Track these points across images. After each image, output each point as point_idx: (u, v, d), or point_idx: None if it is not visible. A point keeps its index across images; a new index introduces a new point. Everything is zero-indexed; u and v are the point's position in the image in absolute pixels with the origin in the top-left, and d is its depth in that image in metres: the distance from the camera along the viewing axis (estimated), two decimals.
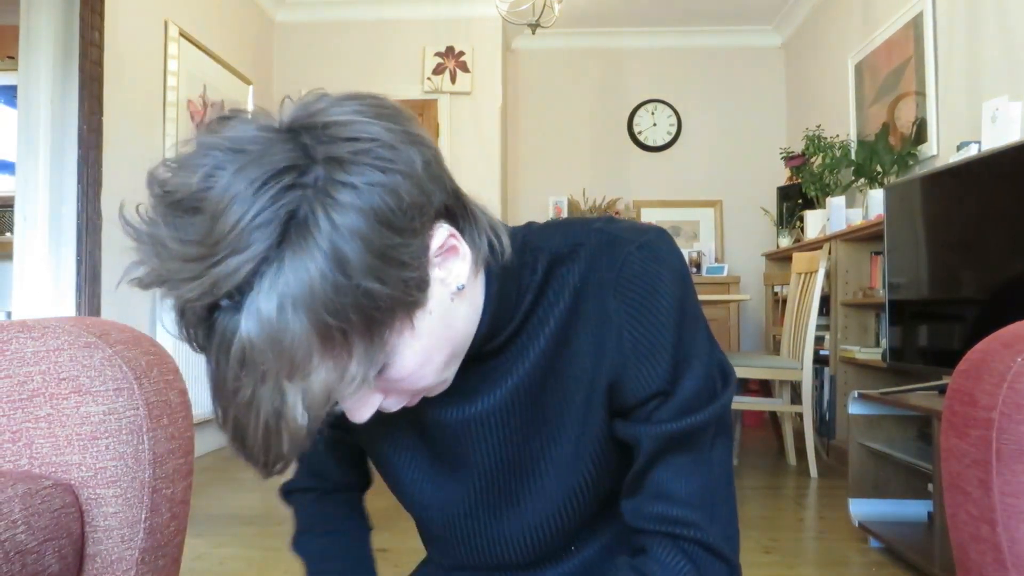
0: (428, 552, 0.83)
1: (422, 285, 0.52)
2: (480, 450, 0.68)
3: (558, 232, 0.66)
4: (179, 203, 0.46)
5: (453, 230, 0.55)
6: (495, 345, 0.64)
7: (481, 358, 0.65)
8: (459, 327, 0.58)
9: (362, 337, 0.49)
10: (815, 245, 3.63)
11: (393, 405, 0.59)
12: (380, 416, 0.59)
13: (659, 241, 0.63)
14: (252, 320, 0.45)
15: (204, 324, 0.47)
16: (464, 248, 0.56)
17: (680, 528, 0.64)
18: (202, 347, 0.49)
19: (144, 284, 0.48)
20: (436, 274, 0.54)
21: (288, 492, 0.86)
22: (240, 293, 0.45)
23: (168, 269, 0.46)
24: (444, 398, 0.65)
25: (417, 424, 0.69)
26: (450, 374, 0.60)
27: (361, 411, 0.56)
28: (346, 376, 0.49)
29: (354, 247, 0.46)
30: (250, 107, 4.23)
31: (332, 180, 0.47)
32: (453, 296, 0.56)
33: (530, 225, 0.68)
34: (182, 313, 0.48)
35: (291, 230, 0.45)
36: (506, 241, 0.60)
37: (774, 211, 4.71)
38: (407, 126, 0.52)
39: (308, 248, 0.45)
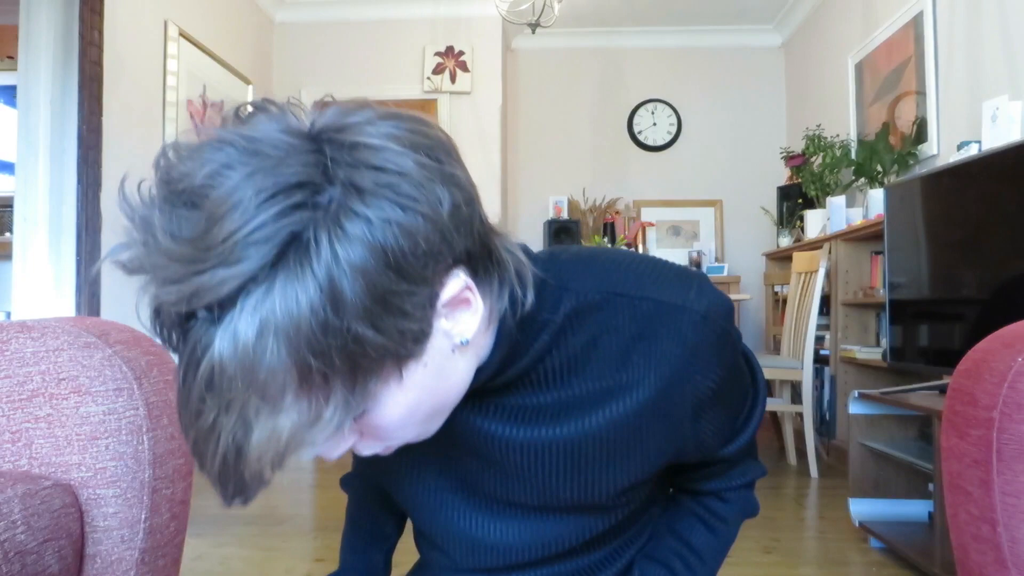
0: (423, 555, 0.83)
1: (421, 337, 0.48)
2: (515, 473, 0.66)
3: (589, 273, 0.61)
4: (179, 193, 0.43)
5: (470, 281, 0.50)
6: (501, 381, 0.61)
7: (492, 391, 0.62)
8: (453, 381, 0.53)
9: (344, 383, 0.45)
10: (815, 245, 3.63)
11: (366, 449, 0.55)
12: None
13: (718, 307, 0.61)
14: (227, 341, 0.41)
15: (178, 328, 0.44)
16: (478, 302, 0.51)
17: (739, 479, 0.76)
18: (174, 349, 0.46)
19: (126, 269, 0.44)
20: (441, 325, 0.49)
21: (344, 482, 0.89)
22: (221, 308, 0.41)
23: (152, 262, 0.42)
24: (498, 417, 0.64)
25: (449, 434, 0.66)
26: (434, 427, 0.56)
27: (331, 452, 0.51)
28: (319, 421, 0.45)
29: (353, 286, 0.42)
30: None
31: (346, 207, 0.42)
32: (455, 349, 0.52)
33: (555, 255, 0.63)
34: (157, 311, 0.44)
35: (290, 252, 0.41)
36: (531, 293, 0.56)
37: (774, 211, 4.71)
38: (443, 162, 0.47)
39: (303, 276, 0.41)
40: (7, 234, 3.23)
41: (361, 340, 0.43)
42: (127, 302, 3.07)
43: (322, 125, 0.46)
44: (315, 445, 0.47)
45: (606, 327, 0.60)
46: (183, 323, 0.43)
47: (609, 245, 4.04)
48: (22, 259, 2.74)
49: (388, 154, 0.45)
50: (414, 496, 0.73)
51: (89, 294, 2.80)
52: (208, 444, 0.44)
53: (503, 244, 0.54)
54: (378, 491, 0.86)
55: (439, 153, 0.47)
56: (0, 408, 0.74)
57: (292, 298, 0.41)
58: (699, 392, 0.62)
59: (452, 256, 0.48)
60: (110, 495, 0.74)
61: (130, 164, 3.14)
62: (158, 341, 0.46)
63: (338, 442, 0.51)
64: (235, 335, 0.41)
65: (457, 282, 0.49)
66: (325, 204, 0.42)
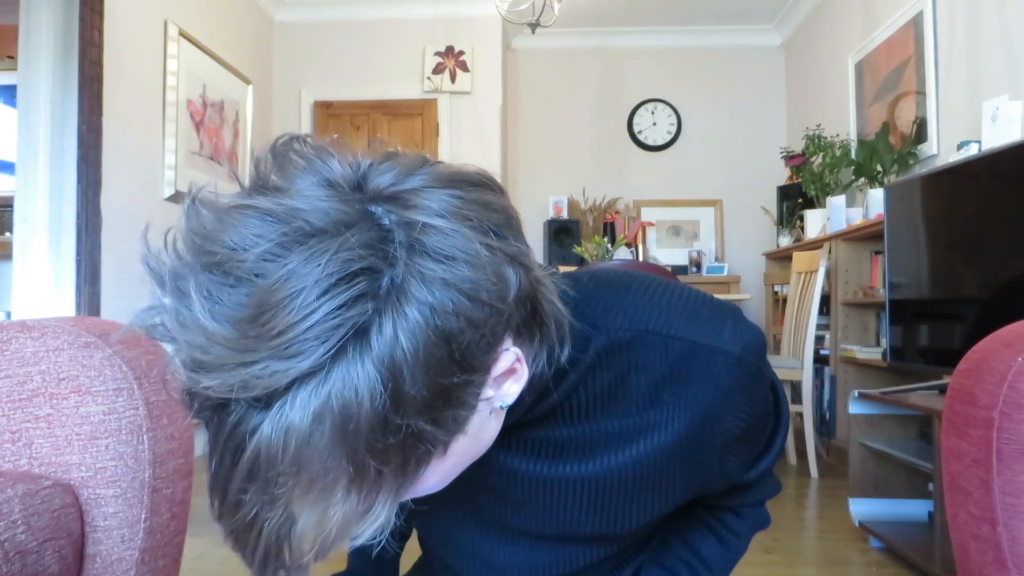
0: (425, 554, 0.83)
1: (471, 417, 0.45)
2: (534, 508, 0.64)
3: (619, 308, 0.59)
4: (219, 266, 0.39)
5: (520, 353, 0.47)
6: (526, 418, 0.59)
7: (515, 427, 0.60)
8: (487, 439, 0.51)
9: (396, 475, 0.42)
10: (815, 244, 3.63)
11: None
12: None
13: (753, 347, 0.59)
14: (277, 431, 0.38)
15: (213, 410, 0.40)
16: (524, 371, 0.48)
17: (754, 496, 0.75)
18: (204, 424, 0.42)
19: (156, 337, 0.41)
20: (486, 393, 0.46)
21: None
22: (270, 397, 0.38)
23: (189, 340, 0.38)
24: (524, 454, 0.62)
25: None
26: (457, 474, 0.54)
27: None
28: (369, 514, 0.42)
29: (414, 380, 0.39)
30: (250, 107, 4.25)
31: (408, 295, 0.39)
32: (492, 412, 0.49)
33: (580, 281, 0.60)
34: (191, 391, 0.40)
35: (349, 345, 0.38)
36: (568, 348, 0.53)
37: (774, 210, 4.71)
38: (508, 239, 0.44)
39: (363, 370, 0.38)
40: (7, 234, 3.23)
41: (419, 435, 0.41)
42: (127, 302, 3.07)
43: (376, 188, 0.42)
44: (363, 537, 0.43)
45: (635, 365, 0.58)
46: (221, 405, 0.39)
47: (609, 245, 4.03)
48: (22, 259, 2.74)
49: (453, 237, 0.41)
50: (426, 523, 0.73)
51: (89, 294, 2.80)
52: (249, 536, 0.42)
53: (545, 296, 0.50)
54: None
55: (504, 230, 0.45)
56: (0, 408, 0.74)
57: (351, 392, 0.38)
58: (728, 432, 0.61)
59: (507, 332, 0.45)
60: (110, 495, 0.74)
61: (130, 164, 3.14)
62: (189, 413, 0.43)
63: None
64: (288, 427, 0.38)
65: (509, 356, 0.46)
66: (386, 292, 0.39)
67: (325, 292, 0.37)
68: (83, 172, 2.80)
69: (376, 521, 0.42)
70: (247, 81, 4.26)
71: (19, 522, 0.64)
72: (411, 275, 0.39)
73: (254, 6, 4.48)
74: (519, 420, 0.58)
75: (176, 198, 3.45)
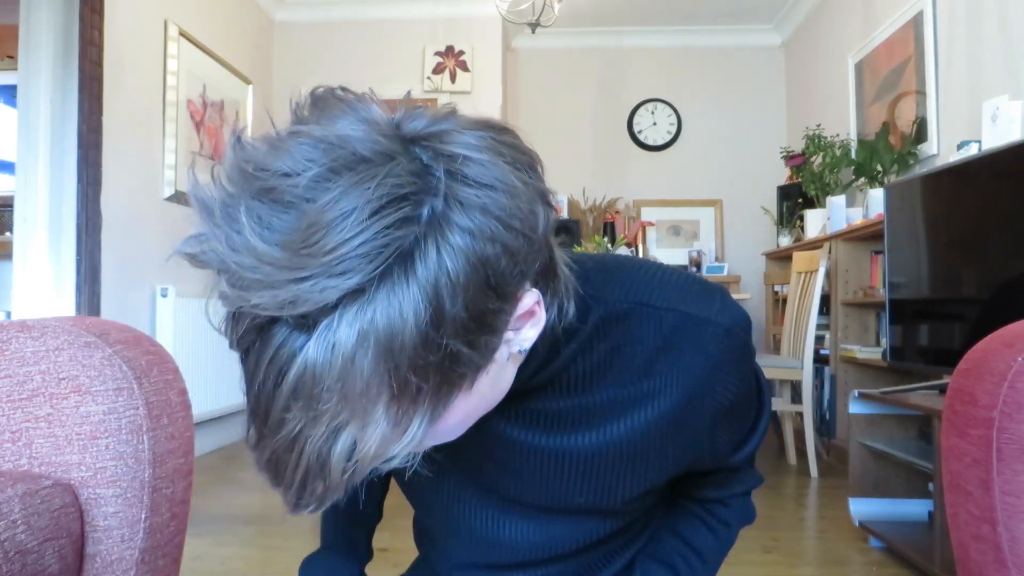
0: (423, 551, 0.84)
1: (497, 350, 0.47)
2: (531, 477, 0.66)
3: (616, 282, 0.62)
4: (269, 192, 0.40)
5: (540, 296, 0.49)
6: (528, 386, 0.61)
7: (514, 397, 0.61)
8: (502, 387, 0.53)
9: (432, 397, 0.43)
10: (815, 244, 3.63)
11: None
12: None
13: (740, 322, 0.62)
14: (323, 349, 0.40)
15: (257, 332, 0.41)
16: (542, 315, 0.50)
17: (740, 487, 0.78)
18: (244, 352, 0.43)
19: (201, 263, 0.42)
20: (507, 336, 0.48)
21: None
22: (317, 316, 0.40)
23: (239, 262, 0.40)
24: (527, 424, 0.64)
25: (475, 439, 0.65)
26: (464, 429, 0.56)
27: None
28: (405, 436, 0.43)
29: (454, 302, 0.41)
30: (250, 107, 4.25)
31: (450, 221, 0.41)
32: (510, 356, 0.51)
33: (580, 262, 0.63)
34: (237, 314, 0.42)
35: (395, 266, 0.40)
36: (573, 304, 0.55)
37: (774, 210, 4.71)
38: (536, 178, 0.47)
39: (408, 290, 0.40)
40: (7, 234, 3.24)
41: (456, 356, 0.43)
42: (127, 302, 3.07)
43: (412, 130, 0.44)
44: (396, 459, 0.45)
45: (630, 337, 0.61)
46: (265, 328, 0.41)
47: (609, 245, 4.03)
48: (22, 259, 2.74)
49: (490, 168, 0.43)
50: (424, 491, 0.73)
51: (89, 294, 2.80)
52: (290, 455, 0.43)
53: (557, 253, 0.53)
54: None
55: (534, 168, 0.47)
56: (0, 408, 0.74)
57: (396, 311, 0.40)
58: (718, 404, 0.63)
59: (532, 270, 0.47)
60: (110, 495, 0.74)
61: (130, 164, 3.14)
62: (226, 339, 0.44)
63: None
64: (334, 345, 0.39)
65: (531, 297, 0.48)
66: (429, 216, 0.41)
67: (375, 213, 0.39)
68: (83, 172, 2.80)
69: (410, 442, 0.44)
70: (247, 81, 4.26)
71: (19, 522, 0.64)
72: (453, 202, 0.41)
73: (254, 6, 4.48)
74: (521, 387, 0.59)
75: (176, 198, 3.45)
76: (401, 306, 0.40)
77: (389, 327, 0.40)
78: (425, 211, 0.41)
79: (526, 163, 0.46)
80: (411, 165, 0.42)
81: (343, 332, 0.39)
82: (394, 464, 0.46)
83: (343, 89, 0.46)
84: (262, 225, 0.40)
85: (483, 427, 0.63)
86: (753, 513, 0.80)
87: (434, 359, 0.41)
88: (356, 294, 0.39)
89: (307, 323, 0.40)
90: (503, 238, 0.43)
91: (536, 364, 0.58)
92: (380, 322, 0.40)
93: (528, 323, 0.50)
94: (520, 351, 0.50)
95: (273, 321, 0.41)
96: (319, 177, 0.40)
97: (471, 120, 0.46)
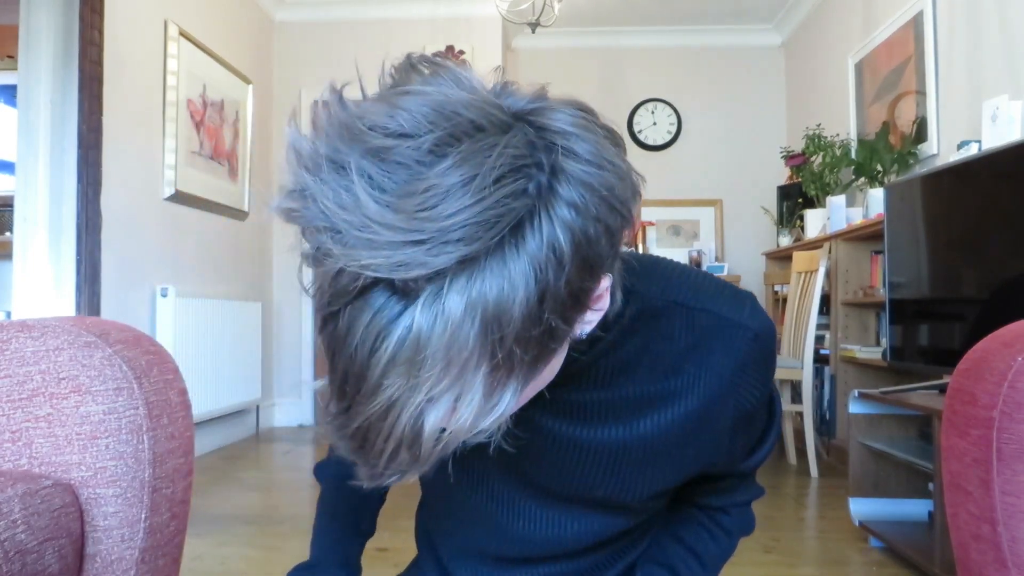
0: (426, 540, 0.83)
1: (577, 328, 0.47)
2: (554, 466, 0.67)
3: (652, 278, 0.62)
4: (383, 151, 0.39)
5: (611, 281, 0.49)
6: (561, 373, 0.59)
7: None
8: (557, 367, 0.52)
9: (526, 371, 0.43)
10: (815, 244, 3.63)
11: None
12: None
13: (768, 329, 0.63)
14: (429, 316, 0.38)
15: (355, 296, 0.40)
16: (607, 300, 0.50)
17: (743, 496, 0.80)
18: (333, 316, 0.41)
19: (302, 220, 0.40)
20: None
21: (319, 471, 0.88)
22: (427, 282, 0.38)
23: (348, 221, 0.38)
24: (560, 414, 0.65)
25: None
26: None
27: None
28: (498, 407, 0.42)
29: (558, 277, 0.40)
30: (250, 107, 4.25)
31: (558, 195, 0.41)
32: (565, 348, 0.50)
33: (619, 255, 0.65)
34: (340, 272, 0.39)
35: (508, 237, 0.39)
36: (620, 295, 0.55)
37: (774, 210, 4.71)
38: (625, 159, 0.47)
39: (519, 263, 0.39)
40: (7, 234, 3.23)
41: (554, 332, 0.42)
42: (127, 302, 3.07)
43: (515, 105, 0.43)
44: (486, 432, 0.44)
45: (662, 333, 0.62)
46: (365, 290, 0.39)
47: None
48: (22, 259, 2.74)
49: (593, 145, 0.43)
50: (442, 475, 0.73)
51: (89, 294, 2.80)
52: (383, 424, 0.41)
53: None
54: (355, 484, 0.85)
55: (622, 147, 0.47)
56: (0, 408, 0.74)
57: (506, 285, 0.39)
58: (741, 407, 0.64)
59: (618, 253, 0.47)
60: (110, 494, 0.74)
61: (130, 164, 3.14)
62: (318, 299, 0.42)
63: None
64: (442, 312, 0.38)
65: (607, 280, 0.48)
66: (539, 190, 0.40)
67: (497, 181, 0.39)
68: (83, 172, 2.80)
69: (500, 414, 0.43)
70: (247, 81, 4.26)
71: (19, 522, 0.64)
72: (561, 176, 0.41)
73: (254, 6, 4.48)
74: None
75: (176, 198, 3.45)
76: (512, 277, 0.39)
77: (499, 297, 0.39)
78: (536, 184, 0.40)
79: (616, 140, 0.46)
80: (524, 138, 0.41)
81: (452, 300, 0.38)
82: (479, 439, 0.45)
83: (439, 55, 0.46)
84: (373, 185, 0.38)
85: (518, 413, 0.63)
86: (753, 524, 0.81)
87: (536, 332, 0.41)
88: (469, 262, 0.38)
89: (413, 288, 0.39)
90: (605, 216, 0.42)
91: (572, 352, 0.57)
92: (491, 292, 0.39)
93: (596, 308, 0.49)
94: (582, 335, 0.50)
95: (375, 284, 0.39)
96: (439, 141, 0.39)
97: (561, 99, 0.46)
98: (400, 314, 0.39)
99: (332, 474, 0.86)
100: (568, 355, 0.56)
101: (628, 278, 0.58)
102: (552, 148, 0.42)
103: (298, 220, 0.41)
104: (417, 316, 0.39)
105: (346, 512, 0.85)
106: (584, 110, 0.45)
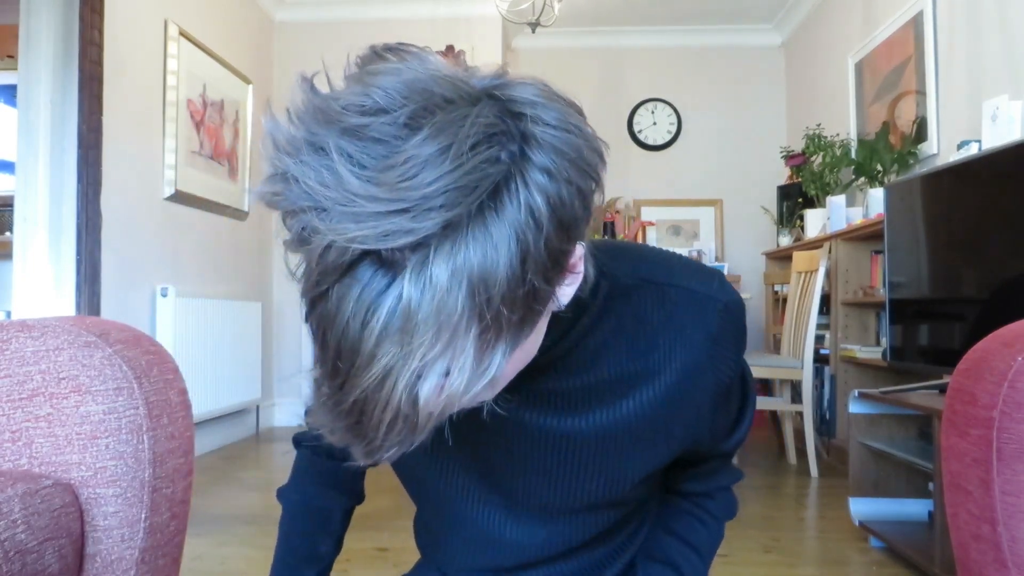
0: (426, 554, 0.83)
1: (557, 294, 0.48)
2: (542, 470, 0.67)
3: (620, 260, 0.64)
4: (359, 129, 0.40)
5: (584, 251, 0.50)
6: (541, 361, 0.59)
7: (523, 377, 0.60)
8: (537, 343, 0.52)
9: (511, 335, 0.43)
10: (815, 244, 3.63)
11: None
12: None
13: (737, 302, 0.64)
14: (417, 285, 0.39)
15: (343, 272, 0.41)
16: (580, 272, 0.50)
17: (724, 480, 0.82)
18: (322, 294, 0.42)
19: (285, 203, 0.41)
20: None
21: (298, 442, 0.88)
22: (411, 251, 0.39)
23: (331, 197, 0.39)
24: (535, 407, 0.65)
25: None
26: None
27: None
28: (487, 372, 0.43)
29: (537, 240, 0.42)
30: (250, 107, 4.24)
31: (531, 161, 0.42)
32: (547, 314, 0.51)
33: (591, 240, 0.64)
34: (325, 251, 0.40)
35: (487, 202, 0.40)
36: (593, 272, 0.56)
37: (774, 210, 4.71)
38: (589, 125, 0.48)
39: (500, 227, 0.40)
40: (7, 234, 3.23)
41: (537, 294, 0.43)
42: (127, 302, 3.07)
43: (481, 81, 0.45)
44: (476, 399, 0.45)
45: (634, 312, 0.63)
46: (351, 265, 0.40)
47: None
48: (22, 259, 2.74)
49: (559, 112, 0.45)
50: (433, 487, 0.73)
51: (89, 294, 2.80)
52: (379, 393, 0.42)
53: None
54: (322, 484, 0.84)
55: (583, 114, 0.49)
56: (0, 408, 0.74)
57: (490, 250, 0.40)
58: (720, 381, 0.65)
59: (591, 218, 0.48)
60: (110, 494, 0.74)
61: (130, 164, 3.14)
62: (305, 281, 0.43)
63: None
64: (429, 280, 0.39)
65: (580, 248, 0.49)
66: (512, 156, 0.42)
67: (472, 148, 0.40)
68: (83, 172, 2.80)
69: (490, 381, 0.44)
70: (247, 81, 4.26)
71: (19, 522, 0.64)
72: (532, 142, 0.43)
73: (254, 6, 4.48)
74: (532, 365, 0.59)
75: (176, 198, 3.45)
76: (495, 241, 0.40)
77: (483, 262, 0.40)
78: (509, 152, 0.42)
79: (579, 110, 0.48)
80: (494, 108, 0.43)
81: (439, 267, 0.39)
82: (471, 405, 0.46)
83: (404, 45, 0.47)
84: (353, 163, 0.39)
85: (493, 412, 0.63)
86: (736, 507, 0.83)
87: (519, 295, 0.42)
88: (452, 229, 0.39)
89: (399, 259, 0.40)
90: (576, 179, 0.44)
91: (551, 337, 0.58)
92: (475, 257, 0.40)
93: (572, 277, 0.50)
94: (560, 306, 0.50)
95: (361, 258, 0.40)
96: (413, 115, 0.40)
97: (521, 76, 0.47)
98: (389, 285, 0.40)
99: (294, 500, 0.85)
100: (546, 342, 0.56)
101: (598, 258, 0.59)
102: (521, 117, 0.43)
103: (281, 203, 0.41)
104: (406, 286, 0.40)
105: (301, 536, 0.85)
106: (540, 81, 0.47)
